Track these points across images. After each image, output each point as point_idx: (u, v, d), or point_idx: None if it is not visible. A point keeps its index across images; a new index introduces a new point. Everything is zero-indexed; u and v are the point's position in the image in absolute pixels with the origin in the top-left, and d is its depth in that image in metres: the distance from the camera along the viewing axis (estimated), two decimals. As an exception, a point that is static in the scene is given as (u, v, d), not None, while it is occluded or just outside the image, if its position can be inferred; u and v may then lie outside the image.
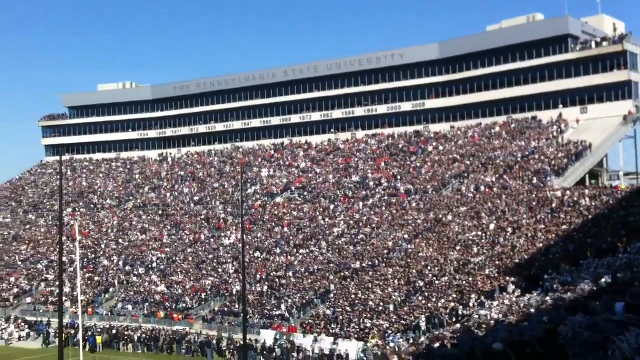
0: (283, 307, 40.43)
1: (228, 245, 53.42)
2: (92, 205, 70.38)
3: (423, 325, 31.99)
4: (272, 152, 72.12)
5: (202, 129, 79.94)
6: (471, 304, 32.34)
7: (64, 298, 38.44)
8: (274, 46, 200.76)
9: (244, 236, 35.20)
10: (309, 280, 43.23)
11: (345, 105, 70.96)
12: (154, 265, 53.28)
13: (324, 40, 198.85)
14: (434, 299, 34.81)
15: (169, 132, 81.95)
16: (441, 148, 60.11)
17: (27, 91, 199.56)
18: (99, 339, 40.56)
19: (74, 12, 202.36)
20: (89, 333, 40.30)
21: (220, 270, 49.20)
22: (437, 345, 18.27)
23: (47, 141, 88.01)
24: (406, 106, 67.22)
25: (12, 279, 55.92)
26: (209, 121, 79.73)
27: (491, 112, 61.71)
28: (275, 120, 74.96)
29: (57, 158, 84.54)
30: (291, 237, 51.40)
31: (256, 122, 76.11)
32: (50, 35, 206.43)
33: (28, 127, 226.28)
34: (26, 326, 45.24)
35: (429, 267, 39.49)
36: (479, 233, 41.94)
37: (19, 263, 59.55)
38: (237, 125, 77.43)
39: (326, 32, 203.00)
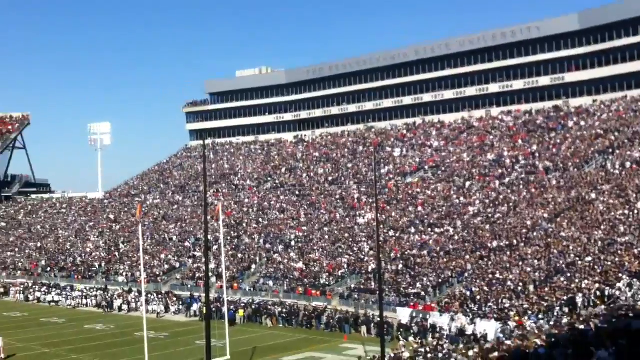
0: (419, 285, 40.57)
1: (362, 224, 54.15)
2: (234, 186, 73.65)
3: (565, 306, 30.98)
4: (405, 131, 71.92)
5: (334, 110, 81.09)
6: (618, 286, 30.90)
7: (210, 274, 40.73)
8: (403, 25, 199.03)
9: (378, 215, 35.61)
10: (445, 260, 43.03)
11: (479, 82, 69.32)
12: (292, 243, 55.08)
13: (453, 17, 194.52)
14: (576, 280, 33.57)
15: (304, 114, 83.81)
16: (583, 123, 57.40)
17: (173, 80, 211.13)
18: (240, 313, 42.64)
19: (216, 6, 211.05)
20: (232, 307, 42.43)
21: (355, 248, 50.04)
22: (581, 327, 17.79)
23: (191, 126, 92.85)
24: (544, 80, 64.66)
25: (162, 256, 59.88)
26: (341, 103, 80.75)
27: (637, 84, 58.05)
28: (407, 100, 74.60)
29: (200, 142, 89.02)
30: (425, 217, 51.28)
31: (388, 102, 76.16)
32: (196, 26, 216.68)
33: (174, 113, 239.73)
34: (175, 300, 48.29)
35: (571, 247, 38.08)
36: (626, 212, 39.82)
37: (168, 241, 63.60)
38: (369, 106, 77.84)
39: (458, 8, 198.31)
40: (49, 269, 64.99)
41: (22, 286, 58.80)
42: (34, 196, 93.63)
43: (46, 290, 55.86)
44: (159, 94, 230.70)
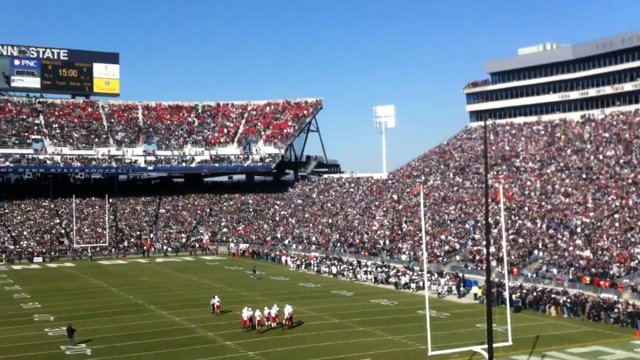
0: None
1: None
2: (514, 169, 72.07)
3: None
4: None
5: (627, 87, 74.76)
6: None
7: (490, 257, 40.62)
8: None
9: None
10: None
11: None
12: (578, 229, 52.41)
13: None
14: None
15: (592, 92, 78.66)
16: None
17: (452, 60, 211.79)
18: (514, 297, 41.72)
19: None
20: (514, 293, 41.78)
21: (652, 238, 46.01)
22: None
23: (471, 107, 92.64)
24: None
25: (442, 237, 61.11)
26: (635, 78, 74.10)
27: None
28: None
29: (481, 123, 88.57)
30: None
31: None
32: (476, 8, 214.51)
33: (453, 94, 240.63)
34: (456, 281, 48.99)
35: None
36: None
37: (448, 222, 64.64)
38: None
39: None
40: (339, 244, 70.31)
41: (317, 259, 64.46)
42: (325, 176, 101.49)
43: (337, 264, 60.54)
44: (439, 76, 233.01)
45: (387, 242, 65.67)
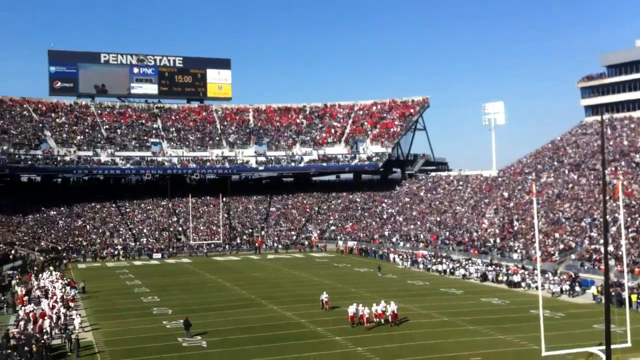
0: None
1: None
2: (634, 164, 68.47)
3: None
4: None
5: None
6: None
7: (608, 256, 38.93)
8: None
9: None
10: None
11: None
12: None
13: None
14: None
15: None
16: None
17: (563, 54, 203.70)
18: (634, 297, 39.76)
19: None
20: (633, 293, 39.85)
21: None
22: None
23: (586, 102, 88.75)
24: None
25: (557, 235, 59.00)
26: None
27: None
28: None
29: (597, 118, 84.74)
30: None
31: None
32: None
33: (567, 89, 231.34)
34: (572, 281, 47.13)
35: None
36: None
37: (563, 220, 62.32)
38: None
39: None
40: (447, 242, 69.47)
41: (425, 257, 63.95)
42: (433, 174, 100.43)
43: (445, 262, 59.87)
44: (550, 71, 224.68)
45: (498, 240, 64.20)
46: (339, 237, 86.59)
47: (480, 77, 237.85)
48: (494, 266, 55.79)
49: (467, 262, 58.55)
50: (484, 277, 53.31)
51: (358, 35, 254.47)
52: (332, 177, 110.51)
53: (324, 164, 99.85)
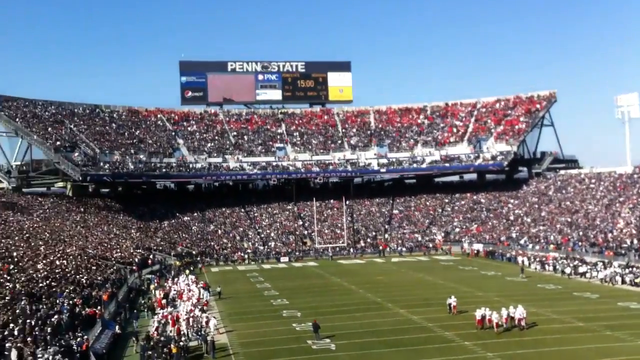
0: None
1: None
2: None
3: None
4: None
5: None
6: None
7: None
8: None
9: None
10: None
11: None
12: None
13: None
14: None
15: None
16: None
17: None
18: None
19: None
20: None
21: None
22: None
23: None
24: None
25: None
26: None
27: None
28: None
29: None
30: None
31: None
32: None
33: None
34: None
35: None
36: None
37: None
38: None
39: None
40: (580, 243, 66.61)
41: (556, 260, 61.67)
42: (562, 172, 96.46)
43: (578, 265, 57.46)
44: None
45: (635, 241, 60.79)
46: (463, 240, 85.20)
47: (611, 67, 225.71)
48: (631, 268, 52.94)
49: (601, 265, 55.94)
50: (620, 280, 50.72)
51: (477, 31, 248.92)
52: (455, 178, 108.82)
53: (447, 165, 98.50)
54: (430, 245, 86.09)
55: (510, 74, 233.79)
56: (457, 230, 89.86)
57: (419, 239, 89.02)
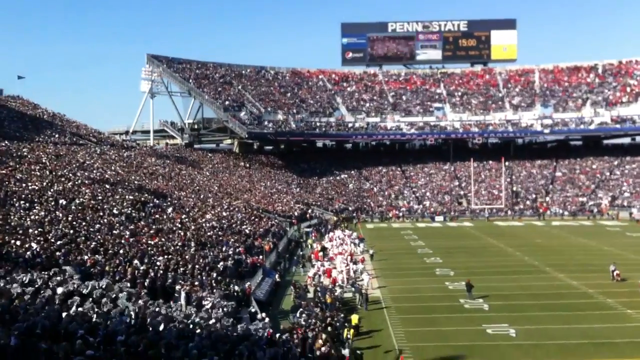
0: None
1: None
2: None
3: None
4: None
5: None
6: None
7: None
8: None
9: None
10: None
11: None
12: None
13: None
14: None
15: None
16: None
17: None
18: None
19: None
20: None
21: None
22: None
23: None
24: None
25: None
26: None
27: None
28: None
29: None
30: None
31: None
32: None
33: None
34: None
35: None
36: None
37: None
38: None
39: None
40: None
41: None
42: None
43: None
44: None
45: None
46: (633, 205, 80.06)
47: None
48: None
49: None
50: None
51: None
52: (627, 140, 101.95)
53: (617, 126, 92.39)
54: (595, 209, 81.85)
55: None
56: (627, 195, 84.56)
57: (583, 203, 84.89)
